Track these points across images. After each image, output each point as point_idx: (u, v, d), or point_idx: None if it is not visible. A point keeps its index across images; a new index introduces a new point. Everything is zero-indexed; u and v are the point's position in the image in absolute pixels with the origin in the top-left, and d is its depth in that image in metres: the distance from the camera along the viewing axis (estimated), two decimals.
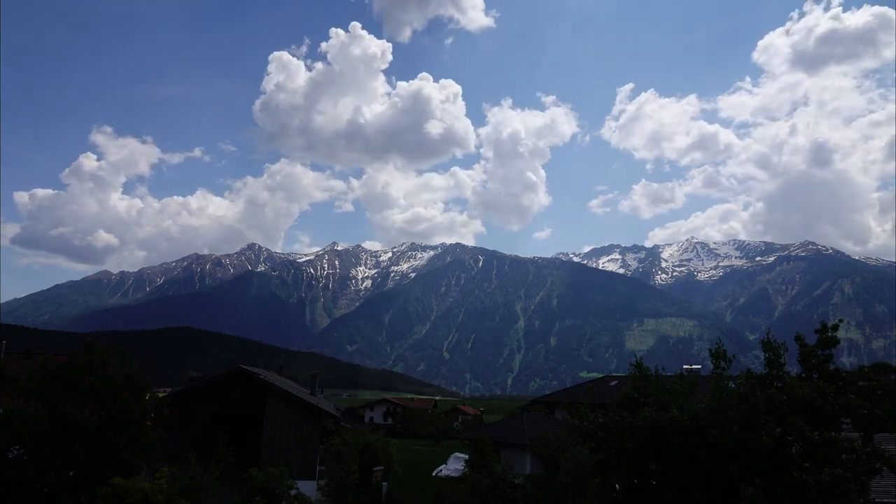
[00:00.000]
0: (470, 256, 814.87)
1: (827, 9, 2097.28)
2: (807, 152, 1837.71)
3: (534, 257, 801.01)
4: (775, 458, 14.23)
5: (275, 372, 46.50)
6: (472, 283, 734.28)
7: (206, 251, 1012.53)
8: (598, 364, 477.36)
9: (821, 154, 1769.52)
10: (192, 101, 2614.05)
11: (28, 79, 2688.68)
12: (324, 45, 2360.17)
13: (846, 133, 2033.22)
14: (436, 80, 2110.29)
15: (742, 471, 14.50)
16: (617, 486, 16.52)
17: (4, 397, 19.71)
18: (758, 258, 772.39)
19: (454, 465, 37.35)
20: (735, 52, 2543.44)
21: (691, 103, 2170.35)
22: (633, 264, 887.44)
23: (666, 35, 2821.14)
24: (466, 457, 31.50)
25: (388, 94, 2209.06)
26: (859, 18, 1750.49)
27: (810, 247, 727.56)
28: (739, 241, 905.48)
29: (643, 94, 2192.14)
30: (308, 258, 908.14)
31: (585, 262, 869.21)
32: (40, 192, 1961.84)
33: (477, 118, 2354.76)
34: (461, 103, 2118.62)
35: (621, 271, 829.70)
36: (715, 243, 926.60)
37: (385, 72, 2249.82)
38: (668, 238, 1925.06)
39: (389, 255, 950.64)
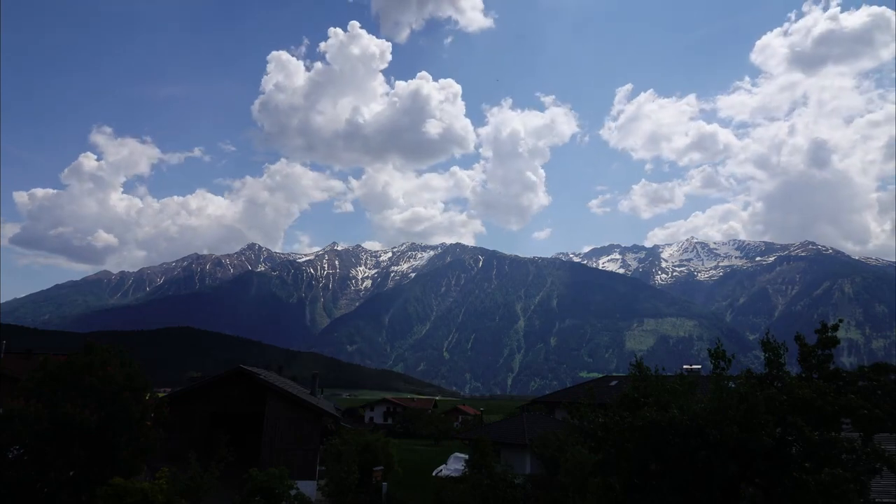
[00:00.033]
0: (470, 256, 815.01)
1: (826, 9, 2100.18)
2: (806, 152, 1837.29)
3: (534, 257, 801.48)
4: (775, 458, 14.23)
5: (275, 372, 46.53)
6: (472, 283, 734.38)
7: (205, 251, 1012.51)
8: (598, 364, 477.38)
9: (820, 154, 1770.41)
10: (191, 101, 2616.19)
11: (28, 79, 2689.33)
12: (322, 44, 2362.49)
13: (845, 133, 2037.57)
14: (435, 79, 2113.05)
15: (742, 471, 14.50)
16: (617, 486, 16.52)
17: (4, 397, 19.72)
18: (758, 258, 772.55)
19: (454, 465, 37.36)
20: (734, 52, 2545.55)
21: (690, 103, 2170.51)
22: (633, 264, 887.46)
23: (665, 35, 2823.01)
24: (466, 457, 31.50)
25: (387, 93, 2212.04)
26: (857, 19, 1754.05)
27: (810, 247, 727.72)
28: (739, 241, 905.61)
29: (642, 94, 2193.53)
30: (308, 258, 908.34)
31: (585, 262, 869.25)
32: (40, 192, 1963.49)
33: (476, 118, 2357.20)
34: (460, 103, 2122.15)
35: (621, 271, 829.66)
36: (715, 243, 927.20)
37: (384, 72, 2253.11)
38: (668, 238, 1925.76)
39: (389, 255, 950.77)
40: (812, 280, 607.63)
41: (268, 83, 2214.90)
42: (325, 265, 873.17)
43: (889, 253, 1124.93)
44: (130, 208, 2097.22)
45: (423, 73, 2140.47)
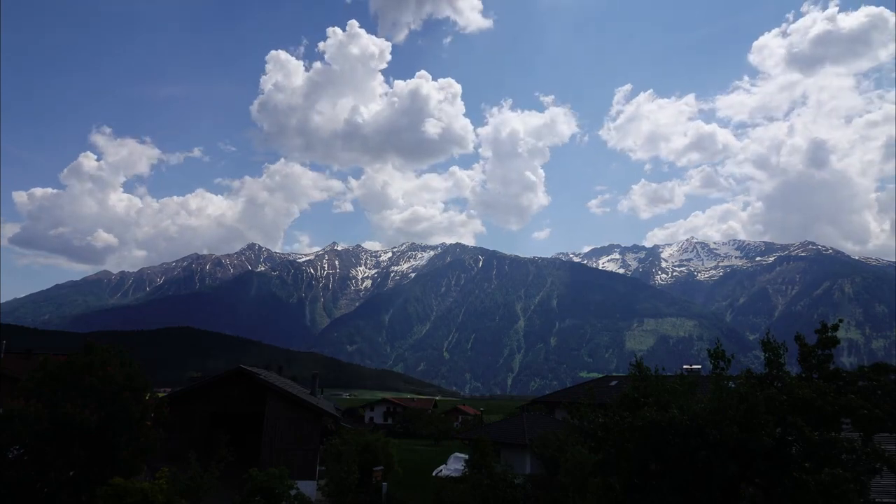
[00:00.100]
0: (470, 256, 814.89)
1: (825, 9, 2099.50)
2: (805, 152, 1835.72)
3: (534, 257, 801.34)
4: (775, 458, 14.23)
5: (275, 372, 46.53)
6: (472, 283, 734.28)
7: (205, 251, 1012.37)
8: (598, 364, 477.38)
9: (819, 154, 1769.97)
10: (191, 101, 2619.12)
11: (28, 79, 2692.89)
12: (321, 44, 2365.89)
13: (845, 133, 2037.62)
14: (434, 79, 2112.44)
15: (742, 471, 14.50)
16: (617, 486, 16.52)
17: (4, 397, 19.71)
18: (758, 258, 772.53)
19: (454, 465, 37.36)
20: (733, 52, 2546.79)
21: (689, 103, 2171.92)
22: (633, 264, 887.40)
23: (664, 35, 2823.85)
24: (466, 457, 31.50)
25: (386, 93, 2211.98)
26: (854, 19, 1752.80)
27: (810, 247, 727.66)
28: (739, 241, 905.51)
29: (641, 94, 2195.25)
30: (308, 258, 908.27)
31: (585, 262, 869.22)
32: (39, 192, 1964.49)
33: (476, 118, 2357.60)
34: (460, 103, 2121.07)
35: (621, 271, 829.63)
36: (715, 243, 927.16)
37: (383, 71, 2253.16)
38: (668, 238, 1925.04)
39: (389, 255, 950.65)
40: (812, 280, 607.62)
41: (267, 83, 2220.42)
42: (325, 265, 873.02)
43: (889, 253, 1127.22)
44: (130, 208, 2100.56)
45: (423, 71, 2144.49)
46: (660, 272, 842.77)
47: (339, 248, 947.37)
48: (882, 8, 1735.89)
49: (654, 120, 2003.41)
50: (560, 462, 21.09)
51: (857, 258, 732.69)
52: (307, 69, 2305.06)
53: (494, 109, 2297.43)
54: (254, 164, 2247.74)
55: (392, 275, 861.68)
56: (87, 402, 17.36)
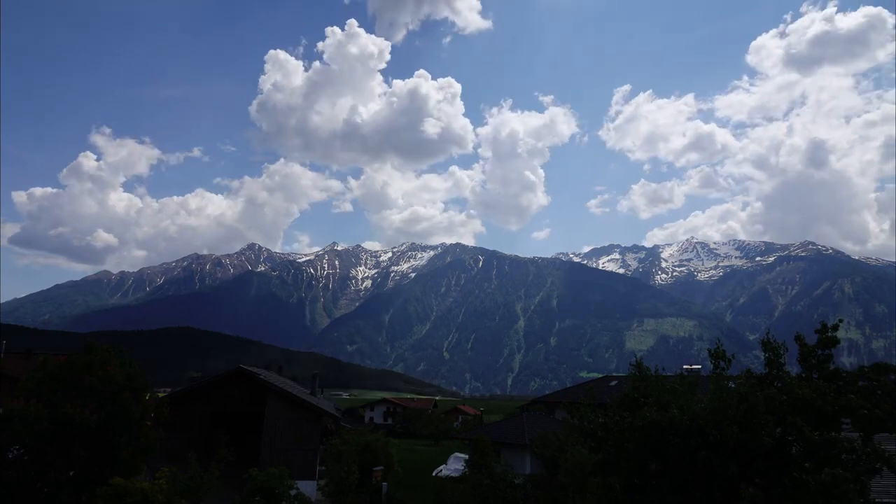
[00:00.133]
0: (470, 256, 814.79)
1: (823, 9, 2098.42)
2: (804, 152, 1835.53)
3: (534, 257, 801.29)
4: (775, 458, 14.23)
5: (275, 372, 46.52)
6: (472, 283, 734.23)
7: (205, 251, 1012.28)
8: (598, 364, 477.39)
9: (818, 154, 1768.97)
10: (190, 101, 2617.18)
11: (28, 79, 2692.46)
12: (320, 44, 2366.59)
13: (844, 133, 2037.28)
14: (433, 79, 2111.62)
15: (742, 471, 14.50)
16: (617, 486, 16.52)
17: (4, 397, 19.71)
18: (758, 258, 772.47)
19: (454, 465, 37.35)
20: (732, 52, 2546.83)
21: (688, 103, 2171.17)
22: (633, 264, 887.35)
23: (663, 36, 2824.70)
24: (466, 457, 31.49)
25: (385, 93, 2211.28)
26: (852, 20, 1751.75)
27: (810, 247, 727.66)
28: (739, 241, 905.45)
29: (641, 94, 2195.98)
30: (308, 258, 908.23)
31: (585, 262, 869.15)
32: (39, 192, 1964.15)
33: (475, 118, 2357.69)
34: (459, 103, 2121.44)
35: (621, 271, 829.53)
36: (715, 243, 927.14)
37: (382, 71, 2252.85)
38: (668, 238, 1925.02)
39: (389, 255, 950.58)
40: (812, 280, 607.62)
41: (266, 83, 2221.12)
42: (325, 265, 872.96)
43: (889, 253, 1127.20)
44: (130, 208, 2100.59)
45: (421, 70, 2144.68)
46: (660, 272, 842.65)
47: (339, 248, 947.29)
48: (880, 8, 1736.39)
49: (653, 120, 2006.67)
50: (560, 462, 21.09)
51: (856, 258, 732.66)
52: (306, 69, 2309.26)
53: (494, 109, 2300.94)
54: (253, 164, 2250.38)
55: (392, 275, 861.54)
56: (87, 402, 17.36)
